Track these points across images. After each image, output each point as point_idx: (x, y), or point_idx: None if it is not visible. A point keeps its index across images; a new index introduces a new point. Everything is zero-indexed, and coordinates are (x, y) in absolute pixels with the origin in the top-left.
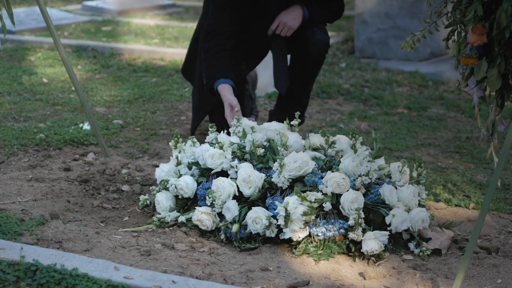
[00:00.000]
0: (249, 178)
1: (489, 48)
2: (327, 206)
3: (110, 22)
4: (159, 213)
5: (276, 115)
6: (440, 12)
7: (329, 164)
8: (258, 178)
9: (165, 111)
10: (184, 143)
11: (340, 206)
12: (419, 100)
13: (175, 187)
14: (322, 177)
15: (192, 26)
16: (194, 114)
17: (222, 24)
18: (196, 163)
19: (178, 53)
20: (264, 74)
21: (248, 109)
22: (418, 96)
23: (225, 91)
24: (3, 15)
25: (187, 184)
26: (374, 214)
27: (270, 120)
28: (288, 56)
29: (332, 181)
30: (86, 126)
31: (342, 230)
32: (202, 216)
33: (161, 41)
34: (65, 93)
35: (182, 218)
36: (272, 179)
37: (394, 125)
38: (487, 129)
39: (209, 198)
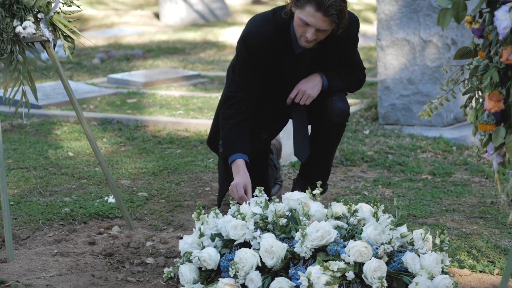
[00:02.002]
0: (272, 248)
1: (506, 114)
2: (350, 275)
3: (135, 94)
4: (183, 286)
5: (299, 184)
6: (456, 80)
7: (352, 232)
8: (280, 248)
9: (189, 182)
10: (206, 215)
11: (363, 275)
12: (443, 166)
13: (198, 259)
14: (344, 246)
15: (216, 96)
16: (220, 185)
17: (243, 91)
18: (219, 235)
19: (202, 123)
20: (288, 143)
21: (272, 179)
22: (442, 162)
23: (239, 167)
24: (27, 90)
25: (210, 256)
26: (397, 282)
27: (293, 189)
28: (309, 126)
29: (354, 250)
30: (111, 199)
31: None
32: (226, 287)
33: (186, 112)
34: (91, 166)
35: None
36: (295, 249)
37: (418, 192)
38: (507, 195)
39: (232, 269)
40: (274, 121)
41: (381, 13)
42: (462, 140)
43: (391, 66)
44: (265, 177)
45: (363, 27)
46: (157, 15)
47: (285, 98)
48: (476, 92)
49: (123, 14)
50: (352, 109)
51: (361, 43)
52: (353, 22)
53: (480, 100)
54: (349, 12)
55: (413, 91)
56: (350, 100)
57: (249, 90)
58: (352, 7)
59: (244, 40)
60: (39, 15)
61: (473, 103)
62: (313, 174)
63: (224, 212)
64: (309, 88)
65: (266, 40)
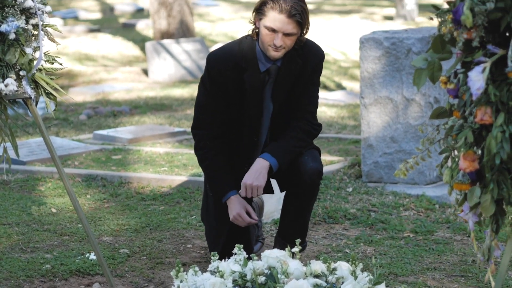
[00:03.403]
0: None
1: (481, 174)
2: None
3: (120, 151)
4: None
5: (278, 243)
6: (432, 139)
7: None
8: None
9: (171, 239)
10: (186, 272)
11: None
12: (426, 224)
13: None
14: None
15: None
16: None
17: (203, 126)
18: None
19: (186, 180)
20: (270, 200)
21: (254, 237)
22: (424, 220)
23: (231, 200)
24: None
25: None
26: None
27: (274, 247)
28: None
29: None
30: (93, 256)
31: None
32: None
33: (170, 169)
34: (73, 223)
35: None
36: None
37: (400, 250)
38: (483, 254)
39: None
40: (252, 152)
41: (364, 71)
42: (445, 198)
43: (374, 124)
44: (247, 235)
45: (349, 84)
46: (145, 72)
47: (256, 128)
48: (452, 151)
49: (112, 70)
50: (335, 167)
51: (347, 100)
52: (316, 52)
53: (456, 159)
54: (315, 44)
55: (396, 149)
56: (334, 158)
57: (209, 125)
58: (340, 64)
59: (206, 65)
60: (21, 73)
61: (449, 163)
62: (290, 233)
63: (205, 270)
64: (254, 179)
65: (226, 58)
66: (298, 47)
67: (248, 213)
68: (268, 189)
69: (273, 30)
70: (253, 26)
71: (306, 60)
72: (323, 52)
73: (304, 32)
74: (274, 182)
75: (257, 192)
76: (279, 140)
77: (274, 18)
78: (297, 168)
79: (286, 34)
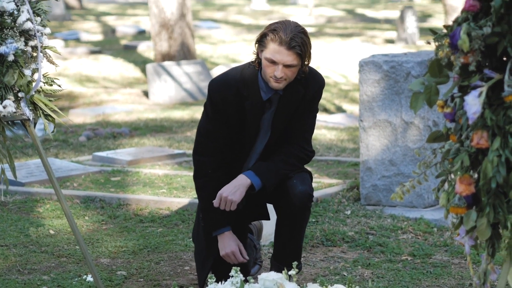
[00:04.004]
0: None
1: (477, 198)
2: None
3: (119, 172)
4: None
5: (274, 265)
6: (429, 163)
7: None
8: None
9: (169, 261)
10: None
11: None
12: (424, 247)
13: None
14: None
15: None
16: (199, 273)
17: (205, 151)
18: None
19: (184, 202)
20: (269, 222)
21: (252, 259)
22: (422, 243)
23: (224, 235)
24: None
25: None
26: None
27: (271, 270)
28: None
29: None
30: (90, 278)
31: None
32: None
33: (169, 191)
34: (71, 244)
35: None
36: None
37: (397, 273)
38: (478, 278)
39: None
40: (236, 175)
41: (363, 95)
42: (443, 222)
43: (373, 147)
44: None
45: (349, 107)
46: (146, 94)
47: (247, 153)
48: (448, 175)
49: (113, 92)
50: (334, 190)
51: (347, 123)
52: (317, 79)
53: (452, 183)
54: (316, 71)
55: (394, 172)
56: (333, 181)
57: (212, 151)
58: (340, 87)
59: (208, 91)
60: (19, 94)
61: (446, 186)
62: (284, 256)
63: None
64: (230, 193)
65: (228, 85)
66: (300, 77)
67: (240, 251)
68: (264, 216)
69: (273, 62)
70: (256, 57)
71: (307, 87)
72: (323, 79)
73: (306, 63)
74: (270, 208)
75: (231, 207)
76: (267, 161)
77: (274, 49)
78: (286, 192)
79: (287, 66)
